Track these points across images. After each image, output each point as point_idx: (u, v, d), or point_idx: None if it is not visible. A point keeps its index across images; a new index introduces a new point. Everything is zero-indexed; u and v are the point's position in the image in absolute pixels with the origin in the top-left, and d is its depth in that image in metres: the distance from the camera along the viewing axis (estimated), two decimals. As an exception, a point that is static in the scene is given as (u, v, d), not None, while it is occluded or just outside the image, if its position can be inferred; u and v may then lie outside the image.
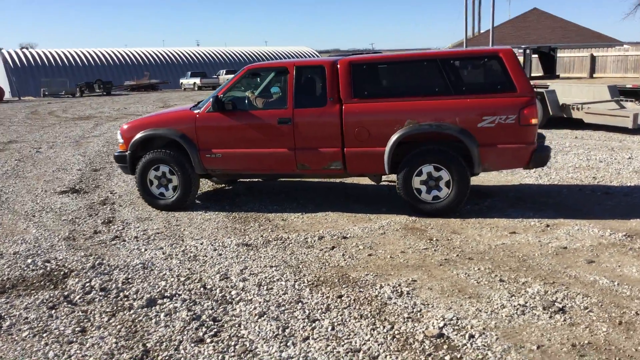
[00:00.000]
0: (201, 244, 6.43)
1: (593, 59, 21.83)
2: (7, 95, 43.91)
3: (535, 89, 16.15)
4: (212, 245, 6.37)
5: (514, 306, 4.50)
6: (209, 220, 7.38)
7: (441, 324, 4.26)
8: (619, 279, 4.96)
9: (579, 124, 14.58)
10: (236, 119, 7.48)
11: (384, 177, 7.99)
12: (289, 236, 6.58)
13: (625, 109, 14.01)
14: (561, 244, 5.91)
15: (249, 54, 55.83)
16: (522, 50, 19.68)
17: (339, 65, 7.18)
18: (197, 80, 47.81)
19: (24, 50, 53.15)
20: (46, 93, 45.17)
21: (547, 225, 6.56)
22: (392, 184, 8.45)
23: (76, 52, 52.79)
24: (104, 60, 52.78)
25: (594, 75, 21.38)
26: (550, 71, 20.29)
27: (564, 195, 7.93)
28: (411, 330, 4.22)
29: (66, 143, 15.32)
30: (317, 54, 59.72)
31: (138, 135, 7.86)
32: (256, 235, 6.66)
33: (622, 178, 8.80)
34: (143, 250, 6.31)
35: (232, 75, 9.32)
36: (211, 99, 7.49)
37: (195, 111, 7.68)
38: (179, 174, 7.72)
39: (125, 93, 44.83)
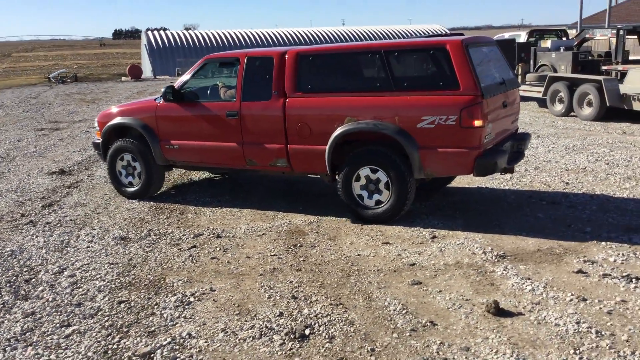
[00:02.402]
0: (88, 234, 6.60)
1: None
2: (149, 74, 47.15)
3: (606, 75, 14.64)
4: (95, 236, 6.51)
5: (260, 328, 4.19)
6: (130, 210, 7.54)
7: (165, 342, 4.08)
8: (403, 305, 4.42)
9: (645, 117, 12.98)
10: (191, 110, 7.42)
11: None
12: (173, 231, 6.56)
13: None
14: (414, 260, 5.37)
15: (383, 33, 55.09)
16: (614, 32, 17.70)
17: (287, 56, 6.89)
18: None
19: (165, 32, 56.49)
20: (179, 72, 47.85)
21: (434, 237, 5.98)
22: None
23: (214, 34, 55.16)
24: (242, 41, 54.58)
25: None
26: (650, 54, 18.17)
27: (504, 203, 7.15)
28: (130, 346, 4.08)
29: (122, 124, 16.19)
30: (446, 30, 57.65)
31: (108, 124, 8.12)
32: (147, 229, 6.71)
33: (599, 186, 7.74)
34: (35, 237, 6.60)
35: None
36: (163, 89, 7.53)
37: (158, 101, 7.75)
38: (142, 164, 7.89)
39: (250, 72, 46.31)
